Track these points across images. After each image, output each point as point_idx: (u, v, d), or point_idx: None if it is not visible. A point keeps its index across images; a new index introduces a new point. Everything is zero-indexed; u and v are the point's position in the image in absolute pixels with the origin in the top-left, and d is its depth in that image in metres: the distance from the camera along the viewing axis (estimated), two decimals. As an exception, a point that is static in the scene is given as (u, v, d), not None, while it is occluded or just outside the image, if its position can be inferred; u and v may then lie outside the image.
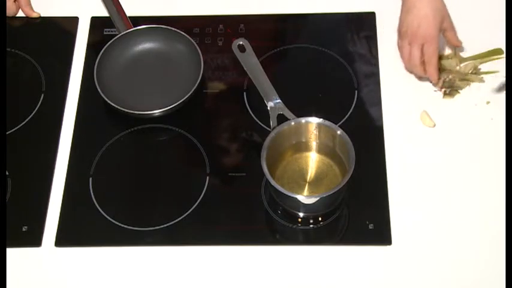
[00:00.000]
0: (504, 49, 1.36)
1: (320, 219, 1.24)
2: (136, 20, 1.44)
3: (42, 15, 1.49)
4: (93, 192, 1.28)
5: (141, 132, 1.35)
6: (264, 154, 1.19)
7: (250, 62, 1.32)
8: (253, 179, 1.27)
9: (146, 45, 1.42)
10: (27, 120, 1.36)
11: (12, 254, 1.21)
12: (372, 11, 1.46)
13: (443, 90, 1.35)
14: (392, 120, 1.32)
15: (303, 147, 1.27)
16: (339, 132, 1.21)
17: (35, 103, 1.38)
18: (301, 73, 1.40)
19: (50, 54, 1.44)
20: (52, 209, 1.26)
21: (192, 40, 1.39)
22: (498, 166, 1.24)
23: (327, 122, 1.23)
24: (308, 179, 1.24)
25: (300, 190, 1.23)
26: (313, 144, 1.26)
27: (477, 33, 1.39)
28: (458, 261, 1.19)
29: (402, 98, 1.35)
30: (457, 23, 1.35)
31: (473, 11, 1.43)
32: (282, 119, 1.25)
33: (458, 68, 1.36)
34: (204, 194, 1.27)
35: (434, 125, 1.31)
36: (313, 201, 1.20)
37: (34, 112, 1.37)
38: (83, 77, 1.41)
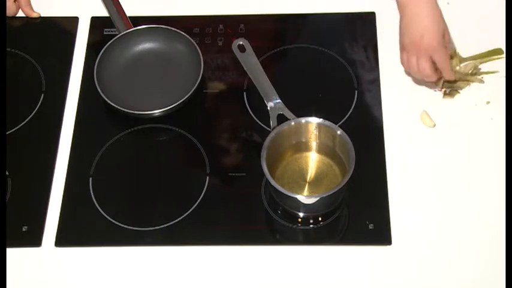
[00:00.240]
0: (504, 49, 1.36)
1: (320, 219, 1.24)
2: (136, 20, 1.44)
3: (42, 15, 1.49)
4: (93, 192, 1.28)
5: (141, 132, 1.35)
6: (264, 154, 1.19)
7: (250, 62, 1.32)
8: (253, 179, 1.27)
9: (146, 45, 1.42)
10: (27, 120, 1.36)
11: (12, 254, 1.21)
12: (372, 11, 1.46)
13: (443, 90, 1.35)
14: (392, 120, 1.32)
15: (303, 147, 1.27)
16: (339, 132, 1.22)
17: (35, 103, 1.38)
18: (301, 73, 1.40)
19: (50, 54, 1.44)
20: (52, 209, 1.26)
21: (192, 40, 1.39)
22: (498, 166, 1.24)
23: (327, 122, 1.23)
24: (308, 179, 1.24)
25: (300, 190, 1.23)
26: (313, 144, 1.26)
27: (477, 33, 1.39)
28: (458, 261, 1.19)
29: (402, 98, 1.35)
30: (457, 23, 1.35)
31: (473, 11, 1.43)
32: (282, 119, 1.25)
33: (458, 68, 1.36)
34: (204, 194, 1.27)
35: (434, 125, 1.31)
36: (313, 201, 1.20)
37: (34, 112, 1.37)
38: (83, 77, 1.41)
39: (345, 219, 1.25)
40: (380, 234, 1.21)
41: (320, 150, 1.26)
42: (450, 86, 1.34)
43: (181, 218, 1.25)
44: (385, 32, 1.42)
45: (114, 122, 1.36)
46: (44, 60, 1.43)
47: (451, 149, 1.29)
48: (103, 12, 1.45)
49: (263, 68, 1.31)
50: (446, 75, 1.31)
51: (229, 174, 1.30)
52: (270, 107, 1.27)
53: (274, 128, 1.24)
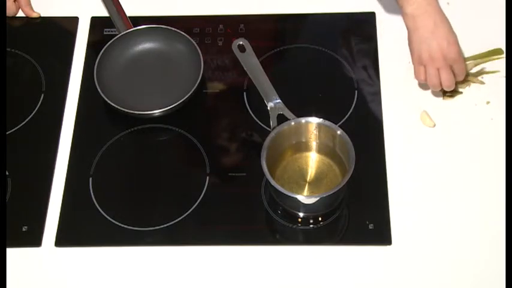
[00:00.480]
0: (504, 49, 1.36)
1: (320, 219, 1.24)
2: (136, 20, 1.44)
3: (42, 15, 1.49)
4: (93, 192, 1.28)
5: (141, 132, 1.35)
6: (264, 154, 1.19)
7: (250, 62, 1.32)
8: (253, 179, 1.27)
9: (146, 45, 1.42)
10: (27, 120, 1.36)
11: (12, 254, 1.21)
12: (372, 11, 1.46)
13: (443, 91, 1.35)
14: (392, 120, 1.32)
15: (303, 147, 1.27)
16: (339, 132, 1.22)
17: (35, 103, 1.38)
18: (301, 73, 1.40)
19: (50, 54, 1.44)
20: (52, 209, 1.26)
21: (192, 40, 1.39)
22: (498, 166, 1.24)
23: (327, 122, 1.23)
24: (308, 179, 1.24)
25: (300, 190, 1.23)
26: (313, 144, 1.26)
27: (477, 33, 1.39)
28: (458, 261, 1.19)
29: (402, 98, 1.35)
30: (457, 23, 1.34)
31: (473, 11, 1.43)
32: (282, 119, 1.25)
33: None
34: (204, 194, 1.27)
35: (434, 125, 1.31)
36: (313, 201, 1.20)
37: (34, 112, 1.37)
38: (83, 77, 1.41)
39: (345, 219, 1.25)
40: (380, 234, 1.21)
41: (320, 150, 1.26)
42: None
43: (181, 218, 1.25)
44: (385, 32, 1.42)
45: (114, 122, 1.36)
46: (44, 60, 1.43)
47: (451, 149, 1.29)
48: (103, 12, 1.45)
49: (263, 68, 1.31)
50: (460, 81, 1.32)
51: (229, 174, 1.30)
52: (270, 107, 1.27)
53: (274, 128, 1.24)
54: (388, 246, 1.20)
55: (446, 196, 1.24)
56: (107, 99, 1.33)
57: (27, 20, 1.49)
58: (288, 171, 1.25)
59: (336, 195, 1.20)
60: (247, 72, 1.32)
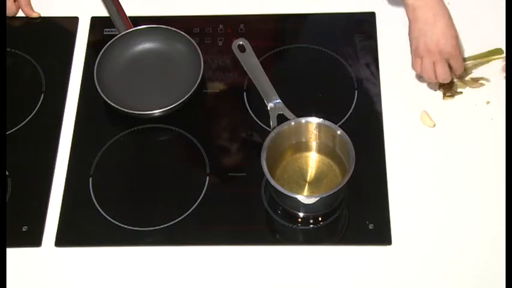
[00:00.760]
0: (504, 49, 1.36)
1: (320, 219, 1.24)
2: (136, 20, 1.44)
3: (42, 15, 1.49)
4: (93, 192, 1.28)
5: (141, 132, 1.35)
6: (264, 154, 1.19)
7: (250, 62, 1.32)
8: (253, 179, 1.27)
9: (146, 45, 1.42)
10: (27, 120, 1.36)
11: (12, 254, 1.21)
12: (372, 11, 1.46)
13: (443, 91, 1.35)
14: (392, 120, 1.32)
15: (303, 147, 1.27)
16: (339, 132, 1.22)
17: (35, 103, 1.38)
18: (301, 73, 1.40)
19: (50, 54, 1.44)
20: (52, 209, 1.26)
21: (192, 40, 1.39)
22: (498, 166, 1.24)
23: (327, 122, 1.23)
24: (308, 179, 1.24)
25: (300, 190, 1.23)
26: (313, 144, 1.26)
27: (477, 33, 1.39)
28: (458, 261, 1.19)
29: (402, 98, 1.35)
30: (457, 23, 1.34)
31: (473, 11, 1.43)
32: (282, 119, 1.25)
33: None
34: (204, 194, 1.27)
35: (434, 125, 1.31)
36: (313, 201, 1.20)
37: (34, 112, 1.37)
38: (83, 77, 1.41)
39: (345, 219, 1.25)
40: (380, 234, 1.21)
41: (320, 150, 1.26)
42: (450, 88, 1.34)
43: (181, 218, 1.25)
44: (385, 32, 1.42)
45: (114, 122, 1.36)
46: (44, 60, 1.43)
47: (451, 149, 1.29)
48: (103, 12, 1.45)
49: (263, 68, 1.31)
50: (458, 76, 1.32)
51: (229, 174, 1.30)
52: (270, 107, 1.27)
53: (274, 128, 1.24)
54: (388, 246, 1.20)
55: (446, 196, 1.24)
56: (107, 99, 1.33)
57: (27, 20, 1.49)
58: (288, 171, 1.25)
59: (336, 195, 1.20)
60: (247, 72, 1.32)
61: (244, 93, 1.37)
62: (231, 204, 1.26)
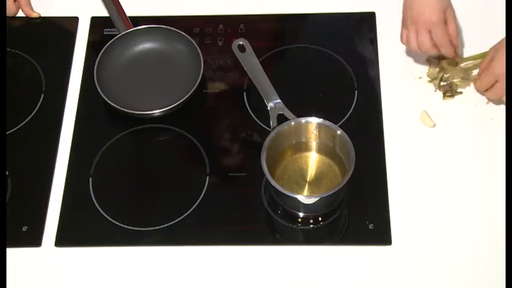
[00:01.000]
0: (504, 49, 1.36)
1: (320, 219, 1.24)
2: (136, 20, 1.44)
3: (42, 15, 1.49)
4: (93, 192, 1.28)
5: (141, 132, 1.35)
6: (264, 154, 1.19)
7: (250, 62, 1.32)
8: (253, 179, 1.27)
9: (146, 45, 1.42)
10: (27, 120, 1.36)
11: (12, 254, 1.21)
12: (372, 11, 1.46)
13: (443, 91, 1.35)
14: (392, 120, 1.32)
15: (303, 147, 1.27)
16: (339, 132, 1.22)
17: (35, 103, 1.38)
18: (301, 73, 1.40)
19: (50, 54, 1.44)
20: (52, 209, 1.26)
21: (192, 40, 1.39)
22: (498, 166, 1.24)
23: (327, 122, 1.23)
24: (308, 179, 1.24)
25: (300, 190, 1.23)
26: (313, 144, 1.26)
27: (477, 33, 1.39)
28: (458, 261, 1.19)
29: (402, 98, 1.35)
30: (457, 23, 1.34)
31: (473, 11, 1.43)
32: (282, 119, 1.25)
33: (458, 67, 1.36)
34: (204, 194, 1.27)
35: (434, 125, 1.31)
36: (313, 201, 1.20)
37: (34, 112, 1.37)
38: (83, 77, 1.41)
39: (345, 219, 1.25)
40: (380, 234, 1.21)
41: (320, 150, 1.26)
42: (450, 88, 1.34)
43: (181, 218, 1.25)
44: (385, 32, 1.42)
45: (114, 122, 1.36)
46: (44, 60, 1.43)
47: (451, 149, 1.29)
48: (103, 12, 1.45)
49: (263, 68, 1.31)
50: (446, 51, 1.30)
51: (229, 174, 1.30)
52: (270, 107, 1.27)
53: (274, 128, 1.24)
54: (388, 246, 1.20)
55: (446, 196, 1.24)
56: (107, 99, 1.33)
57: (27, 20, 1.49)
58: (288, 171, 1.25)
59: (336, 195, 1.20)
60: (247, 72, 1.32)
61: (244, 93, 1.38)
62: (231, 204, 1.26)
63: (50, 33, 1.48)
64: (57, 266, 1.22)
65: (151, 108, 1.33)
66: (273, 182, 1.17)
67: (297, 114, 1.25)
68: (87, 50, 1.44)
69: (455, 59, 1.35)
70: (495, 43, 1.34)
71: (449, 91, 1.34)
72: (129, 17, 1.43)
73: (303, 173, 1.25)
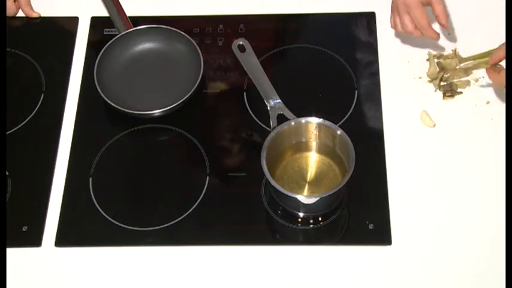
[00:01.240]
0: (504, 49, 1.36)
1: (320, 219, 1.24)
2: (136, 20, 1.44)
3: (42, 15, 1.49)
4: (93, 192, 1.28)
5: (141, 132, 1.35)
6: (264, 154, 1.19)
7: (250, 62, 1.32)
8: (253, 179, 1.27)
9: (146, 45, 1.42)
10: (27, 120, 1.36)
11: (12, 254, 1.21)
12: (372, 11, 1.46)
13: (443, 91, 1.35)
14: (392, 120, 1.32)
15: (303, 147, 1.27)
16: (339, 132, 1.22)
17: (35, 103, 1.38)
18: (301, 73, 1.40)
19: (50, 54, 1.44)
20: (52, 209, 1.26)
21: (192, 40, 1.39)
22: (498, 166, 1.24)
23: (327, 122, 1.23)
24: (308, 179, 1.24)
25: (300, 190, 1.23)
26: (313, 144, 1.26)
27: (477, 33, 1.39)
28: (458, 261, 1.19)
29: (402, 98, 1.35)
30: (457, 23, 1.35)
31: (473, 11, 1.43)
32: (282, 119, 1.25)
33: (458, 67, 1.36)
34: (204, 194, 1.27)
35: (434, 125, 1.31)
36: (313, 201, 1.20)
37: (34, 112, 1.37)
38: (83, 77, 1.41)
39: (345, 219, 1.25)
40: (380, 234, 1.21)
41: (320, 150, 1.26)
42: (450, 88, 1.34)
43: (181, 218, 1.25)
44: (385, 32, 1.42)
45: (114, 122, 1.36)
46: (44, 60, 1.43)
47: (451, 149, 1.29)
48: (103, 12, 1.45)
49: (263, 68, 1.31)
50: (426, 33, 1.30)
51: (229, 174, 1.30)
52: (270, 107, 1.27)
53: (274, 128, 1.24)
54: (388, 246, 1.20)
55: (447, 196, 1.24)
56: (107, 99, 1.33)
57: (27, 20, 1.49)
58: (288, 171, 1.25)
59: (336, 195, 1.20)
60: (247, 72, 1.32)
61: (244, 93, 1.38)
62: (231, 204, 1.26)
63: (50, 33, 1.48)
64: (57, 266, 1.22)
65: (151, 108, 1.33)
66: (273, 182, 1.17)
67: (297, 114, 1.25)
68: (87, 50, 1.44)
69: (455, 59, 1.35)
70: (495, 43, 1.35)
71: (449, 91, 1.34)
72: (129, 17, 1.43)
73: (303, 173, 1.25)
